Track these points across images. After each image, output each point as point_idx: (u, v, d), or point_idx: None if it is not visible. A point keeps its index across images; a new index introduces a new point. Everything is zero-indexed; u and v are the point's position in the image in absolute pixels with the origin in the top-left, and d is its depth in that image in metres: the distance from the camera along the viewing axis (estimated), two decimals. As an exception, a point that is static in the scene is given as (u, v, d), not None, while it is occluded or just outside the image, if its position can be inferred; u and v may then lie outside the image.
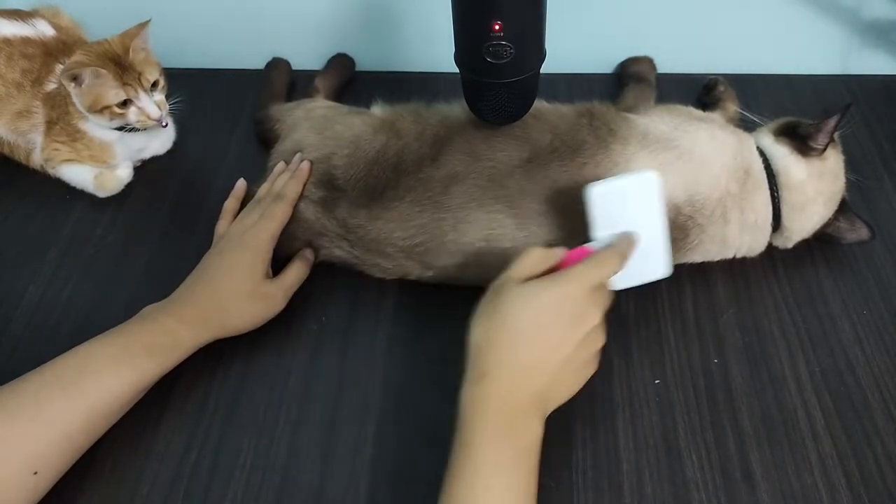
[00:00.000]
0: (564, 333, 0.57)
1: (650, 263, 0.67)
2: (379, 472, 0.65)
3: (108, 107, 0.79)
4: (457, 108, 0.77)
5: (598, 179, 0.70)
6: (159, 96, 0.82)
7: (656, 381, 0.70)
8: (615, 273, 0.61)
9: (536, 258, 0.60)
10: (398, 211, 0.72)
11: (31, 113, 0.86)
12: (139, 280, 0.79)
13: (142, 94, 0.80)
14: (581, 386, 0.61)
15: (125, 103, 0.80)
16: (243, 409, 0.69)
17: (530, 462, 0.55)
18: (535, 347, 0.56)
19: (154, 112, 0.81)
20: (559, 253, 0.61)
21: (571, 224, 0.69)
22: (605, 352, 0.72)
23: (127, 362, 0.63)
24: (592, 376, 0.62)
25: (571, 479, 0.64)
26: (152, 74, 0.81)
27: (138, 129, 0.83)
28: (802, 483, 0.64)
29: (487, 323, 0.57)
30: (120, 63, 0.79)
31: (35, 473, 0.58)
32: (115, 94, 0.79)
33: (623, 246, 0.62)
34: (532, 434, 0.56)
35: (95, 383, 0.62)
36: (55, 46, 0.86)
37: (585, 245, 0.64)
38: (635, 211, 0.65)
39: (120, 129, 0.83)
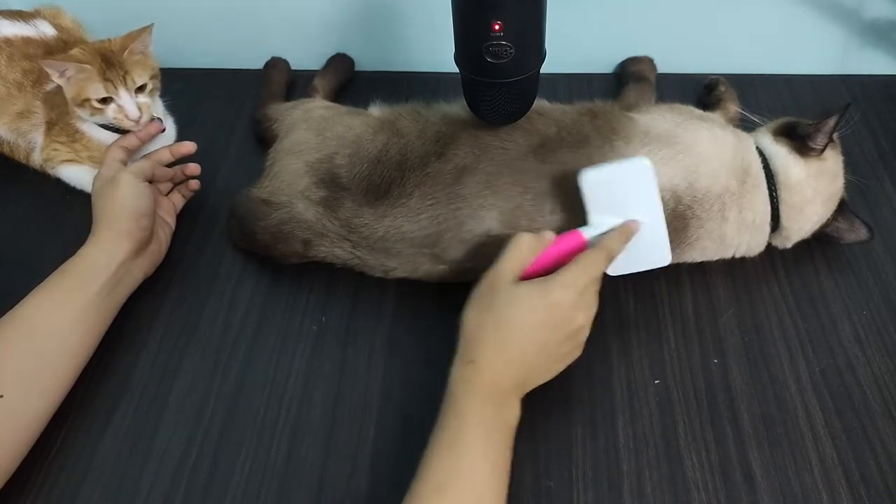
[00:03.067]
0: (550, 334, 0.61)
1: (648, 251, 0.68)
2: (379, 472, 0.65)
3: (88, 100, 0.79)
4: (456, 107, 0.77)
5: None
6: (144, 99, 0.81)
7: (656, 381, 0.70)
8: (601, 272, 0.64)
9: (526, 246, 0.63)
10: (407, 206, 0.72)
11: (31, 113, 0.86)
12: (139, 280, 0.79)
13: (122, 93, 0.79)
14: (559, 372, 0.64)
15: (106, 100, 0.79)
16: (243, 410, 0.69)
17: (510, 442, 0.60)
18: (521, 344, 0.61)
19: (133, 112, 0.79)
20: (549, 237, 0.64)
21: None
22: (605, 352, 0.72)
23: (49, 285, 0.69)
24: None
25: (571, 478, 0.64)
26: (141, 77, 0.80)
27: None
28: (802, 483, 0.64)
29: (480, 315, 0.62)
30: (108, 60, 0.78)
31: (0, 396, 0.61)
32: (95, 89, 0.78)
33: (613, 242, 0.65)
34: (513, 413, 0.61)
35: (27, 305, 0.67)
36: (56, 47, 0.86)
37: (579, 229, 0.66)
38: (630, 196, 0.66)
39: (111, 128, 0.83)
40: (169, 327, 0.75)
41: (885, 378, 0.71)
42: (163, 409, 0.69)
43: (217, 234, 0.84)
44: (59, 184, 0.88)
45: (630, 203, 0.66)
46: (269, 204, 0.76)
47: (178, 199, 0.84)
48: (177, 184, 0.85)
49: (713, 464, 0.65)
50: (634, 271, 0.70)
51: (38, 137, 0.87)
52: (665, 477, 0.64)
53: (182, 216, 0.84)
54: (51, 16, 0.91)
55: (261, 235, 0.76)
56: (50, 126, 0.86)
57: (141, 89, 0.80)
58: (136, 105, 0.80)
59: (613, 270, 0.68)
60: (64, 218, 0.85)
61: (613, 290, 0.77)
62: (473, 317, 0.62)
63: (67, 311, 0.68)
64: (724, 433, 0.67)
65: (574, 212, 0.70)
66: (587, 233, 0.66)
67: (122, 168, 0.76)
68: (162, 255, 0.79)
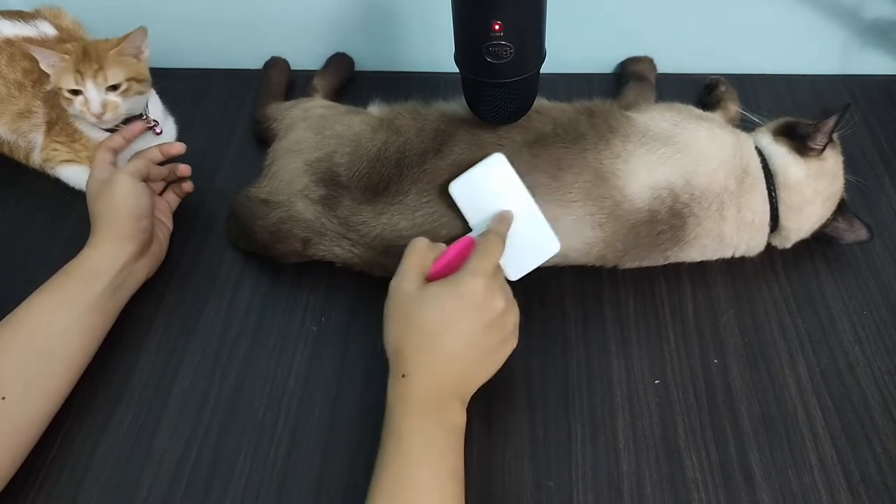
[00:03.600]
0: (471, 326, 0.61)
1: (536, 243, 0.70)
2: (379, 473, 0.65)
3: (62, 89, 0.79)
4: (455, 105, 0.77)
5: (600, 167, 0.72)
6: (114, 98, 0.79)
7: (656, 381, 0.70)
8: (501, 254, 0.65)
9: (423, 248, 0.64)
10: (403, 204, 0.72)
11: (31, 113, 0.86)
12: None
13: (90, 86, 0.78)
14: (500, 365, 0.64)
15: (77, 92, 0.78)
16: (243, 410, 0.69)
17: (456, 444, 0.59)
18: (446, 344, 0.60)
19: (95, 107, 0.78)
20: (441, 247, 0.66)
21: (577, 198, 0.71)
22: (605, 352, 0.72)
23: (51, 287, 0.69)
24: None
25: (571, 479, 0.64)
26: (115, 76, 0.78)
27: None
28: (802, 483, 0.64)
29: (399, 328, 0.62)
30: (87, 54, 0.78)
31: (3, 398, 0.61)
32: (66, 80, 0.78)
33: (497, 225, 0.67)
34: (456, 416, 0.61)
35: (29, 307, 0.67)
36: (57, 47, 0.86)
37: (467, 235, 0.67)
38: (495, 192, 0.69)
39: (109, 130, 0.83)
40: (169, 327, 0.75)
41: (885, 378, 0.71)
42: (163, 409, 0.69)
43: (217, 234, 0.84)
44: (59, 184, 0.88)
45: (499, 198, 0.69)
46: (267, 203, 0.76)
47: (172, 199, 0.84)
48: (169, 183, 0.84)
49: (713, 464, 0.65)
50: (534, 267, 0.70)
51: (38, 137, 0.87)
52: (665, 477, 0.64)
53: (182, 216, 0.84)
54: (51, 16, 0.91)
55: (260, 235, 0.76)
56: (50, 126, 0.86)
57: (115, 88, 0.79)
58: (101, 101, 0.79)
59: (514, 273, 0.69)
60: (64, 218, 0.85)
61: (613, 290, 0.77)
62: (393, 331, 0.62)
63: (69, 314, 0.68)
64: (724, 433, 0.67)
65: (568, 207, 0.71)
66: (473, 235, 0.67)
67: (115, 169, 0.76)
68: (163, 256, 0.79)
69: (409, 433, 0.57)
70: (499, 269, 0.65)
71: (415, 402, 0.59)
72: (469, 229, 0.70)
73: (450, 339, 0.60)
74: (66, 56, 0.78)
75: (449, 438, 0.59)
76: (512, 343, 0.64)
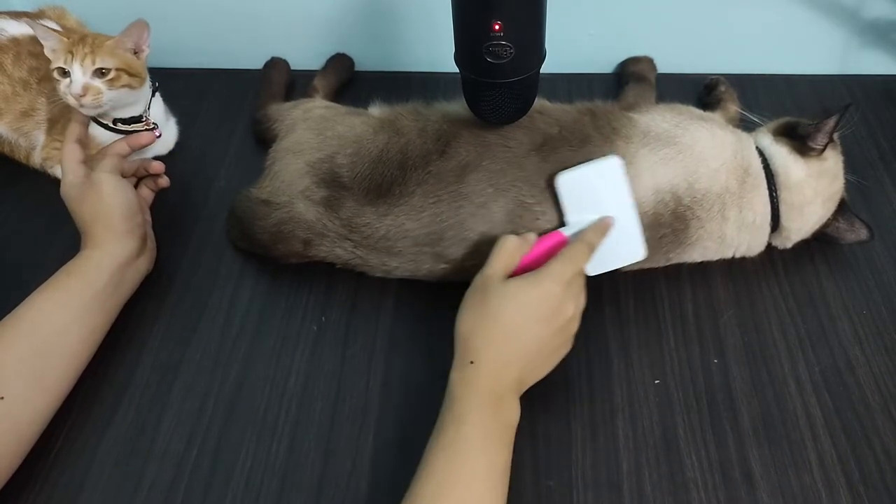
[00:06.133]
0: (543, 326, 0.63)
1: (624, 247, 0.71)
2: (379, 472, 0.65)
3: (55, 69, 0.79)
4: (456, 105, 0.77)
5: None
6: (98, 84, 0.78)
7: (656, 381, 0.70)
8: (586, 263, 0.66)
9: (512, 247, 0.66)
10: (409, 205, 0.72)
11: (35, 111, 0.86)
12: (139, 280, 0.79)
13: (76, 67, 0.77)
14: (553, 367, 0.66)
15: (66, 73, 0.78)
16: (243, 409, 0.69)
17: (510, 441, 0.60)
18: (517, 339, 0.62)
19: (75, 88, 0.77)
20: (532, 239, 0.67)
21: None
22: (605, 352, 0.72)
23: (52, 286, 0.69)
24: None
25: (571, 478, 0.64)
26: (103, 61, 0.78)
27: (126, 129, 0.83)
28: (802, 483, 0.64)
29: (474, 316, 0.63)
30: (84, 39, 0.78)
31: (2, 398, 0.61)
32: (57, 59, 0.78)
33: (591, 235, 0.68)
34: (513, 411, 0.62)
35: (30, 305, 0.67)
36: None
37: (559, 230, 0.69)
38: (603, 195, 0.69)
39: (111, 128, 0.83)
40: (169, 327, 0.75)
41: (885, 378, 0.71)
42: (164, 409, 0.69)
43: (217, 234, 0.84)
44: (59, 183, 0.88)
45: (603, 200, 0.69)
46: (268, 204, 0.76)
47: (147, 194, 0.84)
48: (140, 178, 0.84)
49: (713, 463, 0.65)
50: (614, 268, 0.72)
51: (41, 136, 0.87)
52: (665, 477, 0.64)
53: (182, 216, 0.84)
54: (55, 16, 0.91)
55: (260, 235, 0.76)
56: (52, 124, 0.86)
57: (102, 75, 0.78)
58: (83, 83, 0.78)
59: (592, 270, 0.70)
60: (64, 218, 0.85)
61: (613, 290, 0.77)
62: (467, 319, 0.63)
63: (69, 311, 0.68)
64: (724, 433, 0.67)
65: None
66: (566, 231, 0.69)
67: (89, 170, 0.75)
68: (155, 252, 0.79)
69: (471, 420, 0.58)
70: (580, 273, 0.66)
71: (479, 389, 0.60)
72: (561, 223, 0.70)
73: (520, 336, 0.62)
74: (65, 39, 0.78)
75: (506, 434, 0.60)
76: (567, 348, 0.66)
